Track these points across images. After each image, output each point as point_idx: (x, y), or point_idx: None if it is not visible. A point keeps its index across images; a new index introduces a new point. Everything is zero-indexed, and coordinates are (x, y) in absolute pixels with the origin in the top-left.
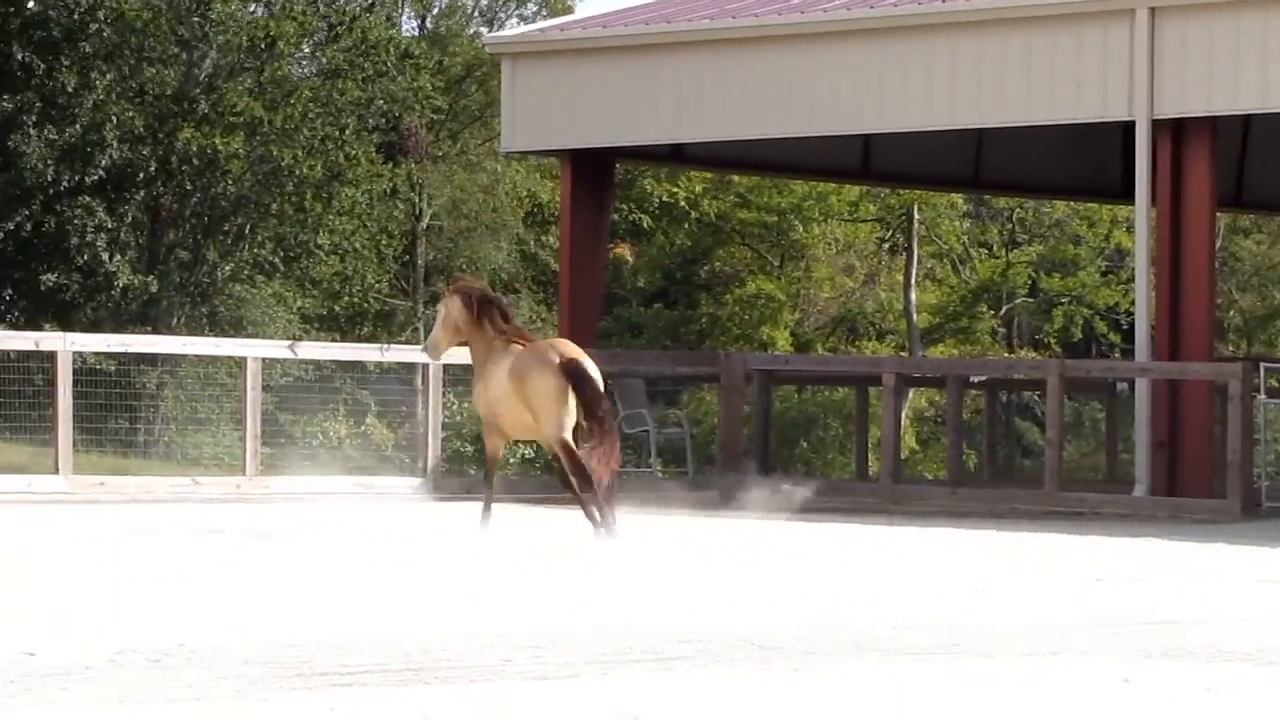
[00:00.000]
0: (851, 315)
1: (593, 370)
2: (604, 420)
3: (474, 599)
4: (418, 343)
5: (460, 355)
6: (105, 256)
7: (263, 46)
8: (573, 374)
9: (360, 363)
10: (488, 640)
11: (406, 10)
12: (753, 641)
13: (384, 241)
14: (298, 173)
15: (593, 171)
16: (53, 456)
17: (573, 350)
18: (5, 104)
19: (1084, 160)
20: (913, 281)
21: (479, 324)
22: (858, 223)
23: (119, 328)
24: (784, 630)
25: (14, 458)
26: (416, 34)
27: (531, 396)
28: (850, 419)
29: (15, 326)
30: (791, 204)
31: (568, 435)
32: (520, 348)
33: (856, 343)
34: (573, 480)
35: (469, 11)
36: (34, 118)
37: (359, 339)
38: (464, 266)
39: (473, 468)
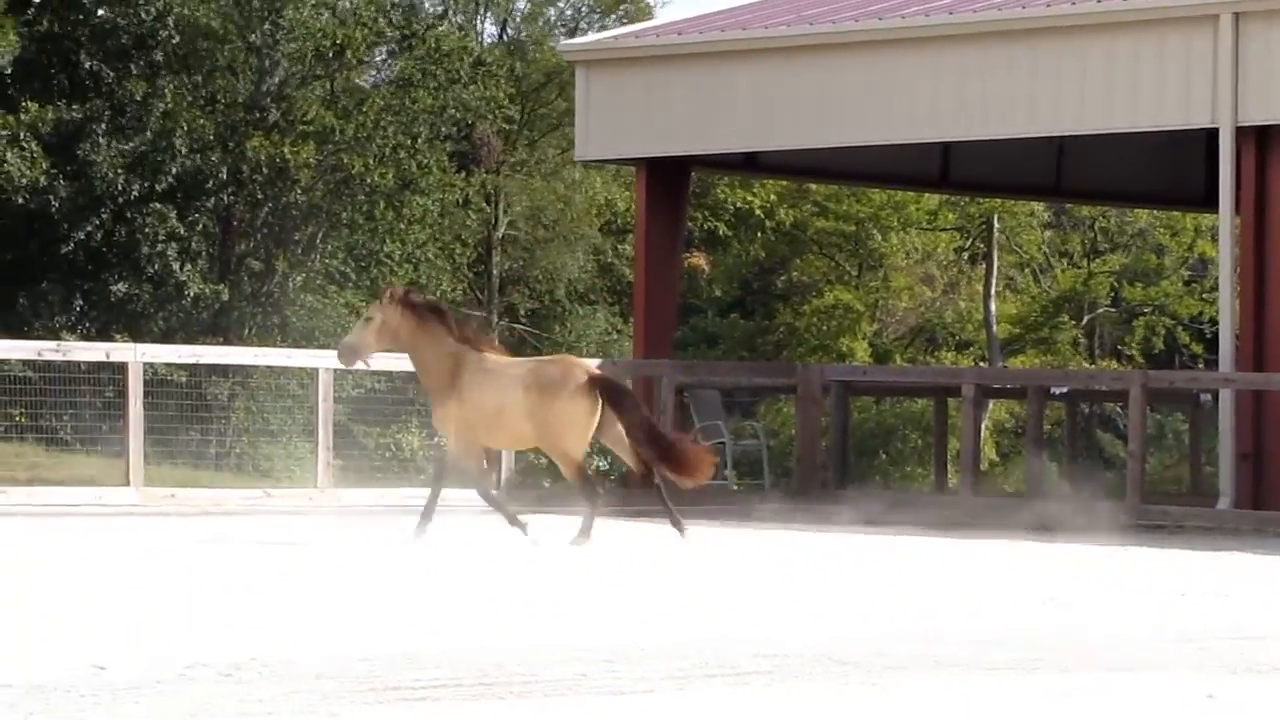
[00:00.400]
0: (930, 325)
1: (625, 386)
2: (653, 431)
3: (549, 612)
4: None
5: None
6: (176, 266)
7: (330, 54)
8: (609, 392)
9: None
10: (563, 654)
11: (487, 18)
12: (830, 656)
13: (457, 250)
14: (369, 181)
15: (668, 180)
16: (123, 468)
17: (594, 368)
18: (75, 113)
19: (1167, 168)
20: (993, 291)
21: (430, 332)
22: (937, 231)
23: (190, 338)
24: (861, 644)
25: (84, 470)
26: (495, 40)
27: (559, 415)
28: (929, 431)
29: (86, 337)
30: (869, 212)
31: (582, 457)
32: (510, 359)
33: (935, 353)
34: (581, 495)
35: (551, 20)
36: (103, 126)
37: None
38: (540, 277)
39: (547, 480)
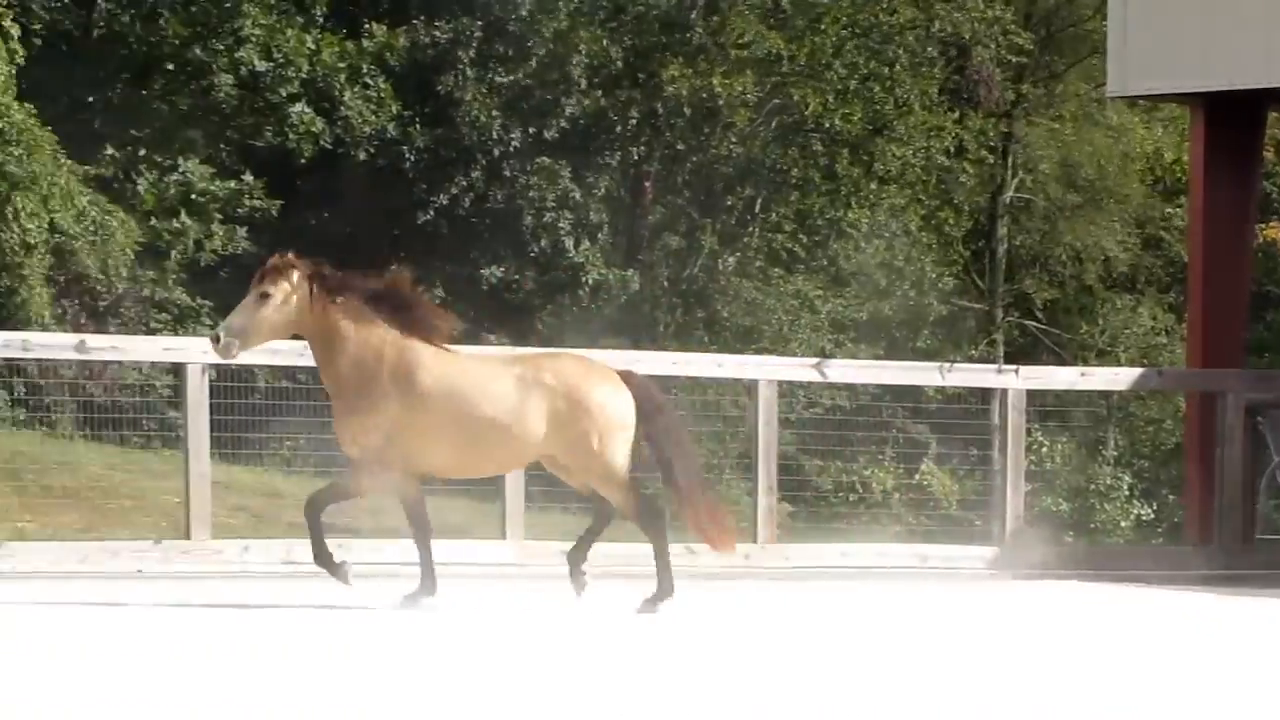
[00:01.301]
0: None
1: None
2: (691, 467)
3: None
4: (992, 360)
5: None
6: (569, 243)
7: None
8: (647, 399)
9: (915, 387)
10: None
11: None
12: None
13: (949, 221)
14: (828, 126)
15: (1236, 122)
16: (498, 515)
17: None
18: (436, 35)
19: None
20: None
21: (356, 316)
22: None
23: (587, 340)
24: None
25: (449, 516)
26: None
27: (604, 426)
28: None
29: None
30: None
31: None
32: (483, 354)
33: None
34: (650, 536)
35: None
36: (473, 53)
37: (913, 355)
38: (1064, 259)
39: (1070, 533)
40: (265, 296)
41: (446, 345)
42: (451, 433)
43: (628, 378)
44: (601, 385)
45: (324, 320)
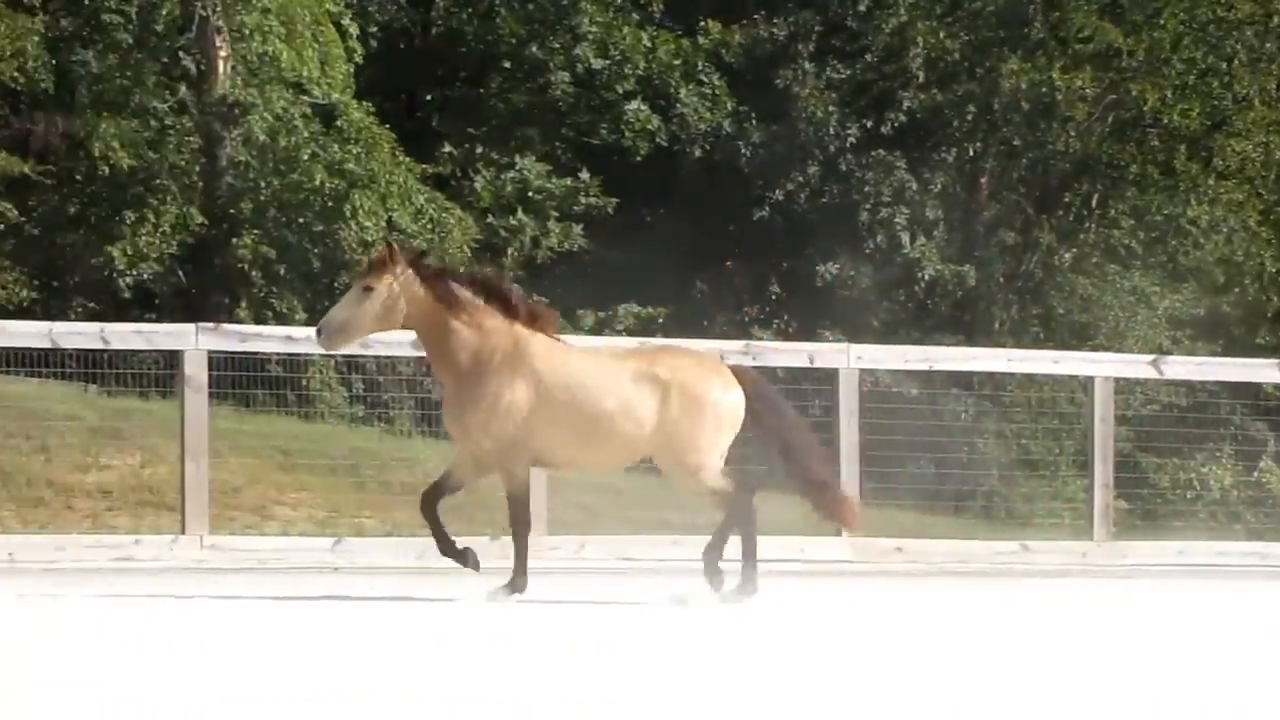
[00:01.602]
0: None
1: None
2: (816, 464)
3: None
4: None
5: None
6: (905, 238)
7: None
8: (759, 394)
9: (1253, 384)
10: None
11: None
12: None
13: None
14: (1166, 121)
15: None
16: None
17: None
18: (775, 31)
19: None
20: None
21: (463, 310)
22: None
23: (922, 336)
24: None
25: (782, 513)
26: None
27: (710, 423)
28: None
29: (784, 334)
30: None
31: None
32: (591, 346)
33: None
34: (737, 532)
35: None
36: (811, 48)
37: (1252, 351)
38: None
39: None
40: (368, 290)
41: (557, 336)
42: (566, 424)
43: (740, 373)
44: (715, 381)
45: (433, 312)
